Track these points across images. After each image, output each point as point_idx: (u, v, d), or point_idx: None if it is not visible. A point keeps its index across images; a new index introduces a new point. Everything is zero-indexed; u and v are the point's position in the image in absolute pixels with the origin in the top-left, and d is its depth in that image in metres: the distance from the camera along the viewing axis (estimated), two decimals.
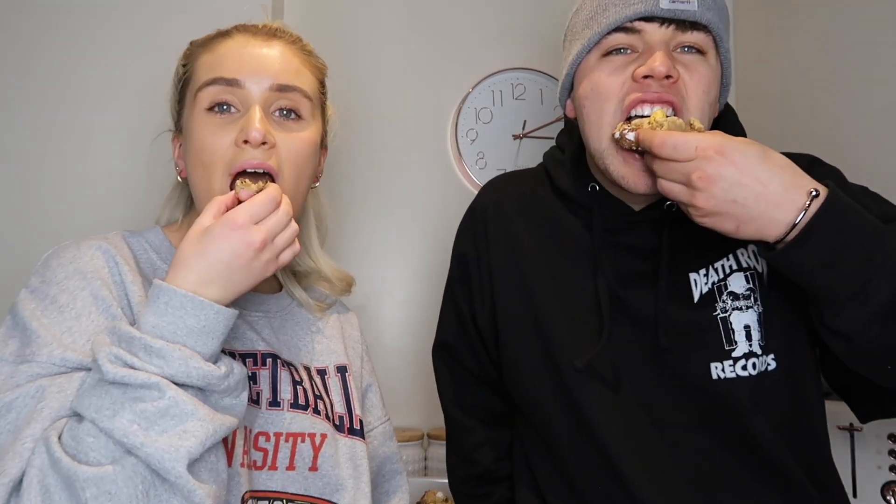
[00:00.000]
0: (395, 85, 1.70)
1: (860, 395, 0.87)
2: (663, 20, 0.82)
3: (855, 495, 1.15)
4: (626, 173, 0.83)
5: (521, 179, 1.03)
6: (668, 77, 0.80)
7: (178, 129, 0.85)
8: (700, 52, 0.84)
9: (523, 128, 1.71)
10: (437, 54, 1.71)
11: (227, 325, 0.66)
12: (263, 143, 0.75)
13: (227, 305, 0.67)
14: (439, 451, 1.45)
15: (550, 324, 0.89)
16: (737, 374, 0.83)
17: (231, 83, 0.78)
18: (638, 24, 0.82)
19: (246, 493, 0.73)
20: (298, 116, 0.81)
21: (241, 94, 0.78)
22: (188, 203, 0.89)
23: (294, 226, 0.72)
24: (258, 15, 0.90)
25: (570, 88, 0.93)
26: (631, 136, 0.79)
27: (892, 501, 1.12)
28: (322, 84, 0.88)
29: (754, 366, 0.83)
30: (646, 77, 0.81)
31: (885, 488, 1.13)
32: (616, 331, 0.87)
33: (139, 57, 1.41)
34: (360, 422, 0.88)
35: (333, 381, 0.89)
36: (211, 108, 0.78)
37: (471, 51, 1.72)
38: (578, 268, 0.90)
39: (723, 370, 0.83)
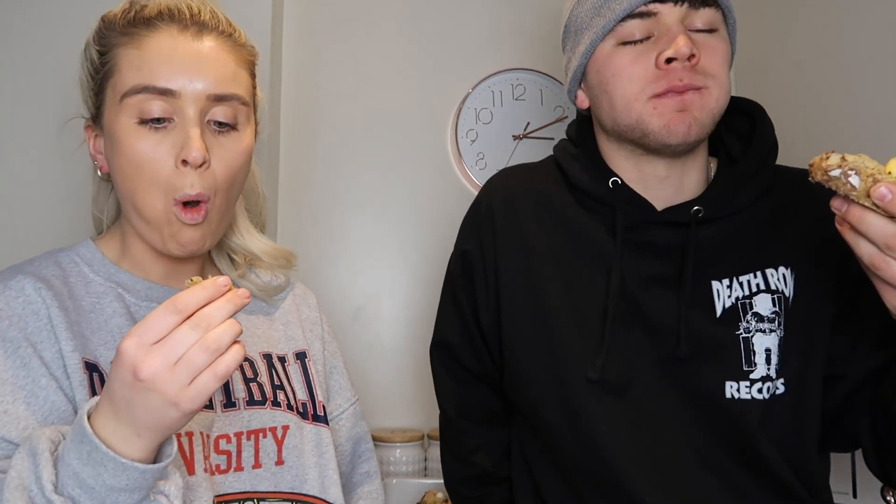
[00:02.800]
0: (395, 85, 1.70)
1: (842, 430, 0.86)
2: None
3: (855, 495, 1.15)
4: (669, 120, 0.80)
5: (530, 174, 0.98)
6: (691, 57, 0.79)
7: (98, 123, 0.79)
8: (712, 30, 0.83)
9: (524, 129, 1.71)
10: (437, 54, 1.71)
11: (155, 478, 0.59)
12: (202, 164, 0.73)
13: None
14: (439, 452, 1.45)
15: (559, 327, 0.87)
16: (751, 397, 0.81)
17: (164, 93, 0.72)
18: (653, 7, 0.81)
19: (213, 498, 0.72)
20: (235, 126, 0.77)
21: (175, 103, 0.73)
22: (116, 204, 0.83)
23: (216, 344, 0.57)
24: None
25: (580, 79, 0.91)
26: (855, 180, 0.60)
27: (892, 501, 1.12)
28: (253, 75, 0.83)
29: (768, 389, 0.81)
30: (668, 61, 0.79)
31: (885, 488, 1.13)
32: (630, 337, 0.84)
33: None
34: (324, 408, 0.87)
35: (293, 369, 0.87)
36: (143, 122, 0.73)
37: (471, 51, 1.72)
38: (593, 269, 0.87)
39: (738, 390, 0.81)
